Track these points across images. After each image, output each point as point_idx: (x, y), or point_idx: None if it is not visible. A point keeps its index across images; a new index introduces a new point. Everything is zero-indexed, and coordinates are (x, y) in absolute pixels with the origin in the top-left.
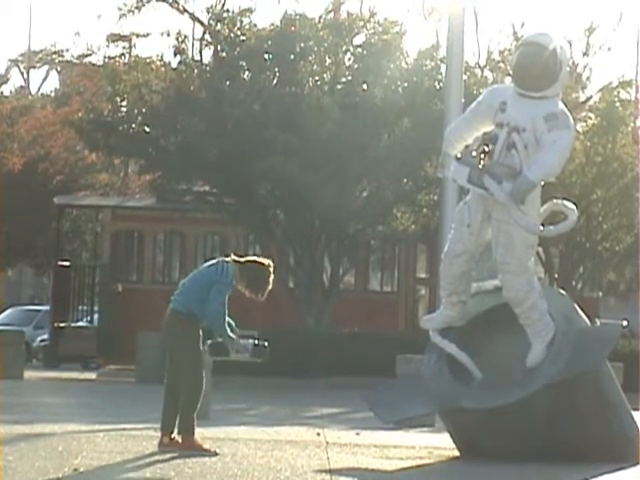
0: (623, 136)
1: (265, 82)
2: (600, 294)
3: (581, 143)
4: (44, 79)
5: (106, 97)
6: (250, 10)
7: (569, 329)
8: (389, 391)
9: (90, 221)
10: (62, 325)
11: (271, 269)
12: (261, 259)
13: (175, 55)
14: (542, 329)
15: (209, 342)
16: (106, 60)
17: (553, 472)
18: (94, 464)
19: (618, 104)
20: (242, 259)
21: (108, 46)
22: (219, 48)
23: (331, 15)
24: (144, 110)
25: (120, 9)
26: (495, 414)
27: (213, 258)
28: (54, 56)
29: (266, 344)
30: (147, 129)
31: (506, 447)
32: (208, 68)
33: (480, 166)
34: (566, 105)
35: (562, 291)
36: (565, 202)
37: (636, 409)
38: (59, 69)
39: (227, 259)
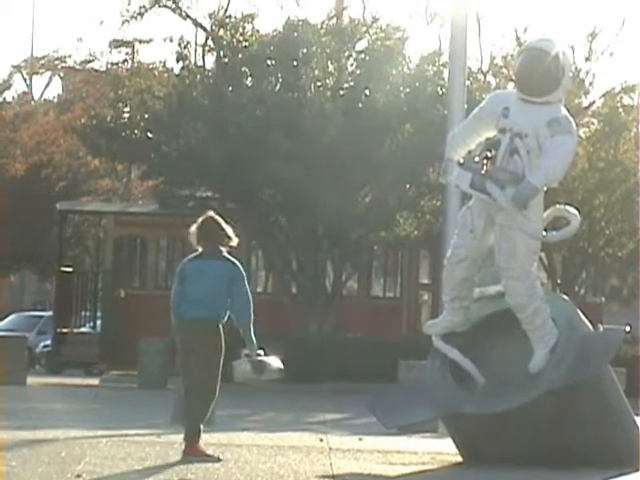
0: (626, 141)
1: (268, 88)
2: (603, 299)
3: (584, 148)
4: (47, 85)
5: (109, 103)
6: (252, 16)
7: (572, 334)
8: (392, 396)
9: (93, 227)
10: (65, 331)
11: (211, 218)
12: (203, 221)
13: (178, 61)
14: (545, 334)
15: (235, 364)
16: (109, 66)
17: (555, 477)
18: (97, 470)
19: (621, 109)
20: (216, 240)
21: (111, 52)
22: (222, 54)
23: (333, 21)
24: (147, 116)
25: (123, 15)
26: (498, 419)
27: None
28: (57, 62)
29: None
30: (150, 135)
31: (509, 452)
32: (211, 74)
33: (483, 171)
34: (569, 110)
35: (565, 296)
36: (568, 207)
37: (638, 414)
38: (62, 75)
39: (224, 254)
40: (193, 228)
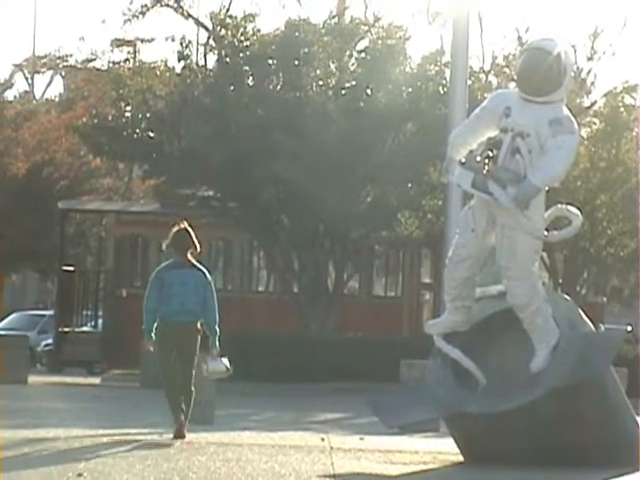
0: (627, 141)
1: (269, 87)
2: (604, 299)
3: (585, 148)
4: (48, 84)
5: (110, 102)
6: (254, 15)
7: (573, 334)
8: (393, 396)
9: (94, 226)
10: (66, 330)
11: (186, 230)
12: (178, 232)
13: (179, 60)
14: (546, 334)
15: (209, 359)
16: (110, 65)
17: (556, 477)
18: (98, 469)
19: (622, 109)
20: (190, 250)
21: (112, 51)
22: (223, 53)
23: (335, 20)
24: (148, 115)
25: (125, 14)
26: (499, 419)
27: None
28: (58, 61)
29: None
30: (151, 134)
31: (510, 452)
32: (212, 73)
33: (484, 171)
34: (570, 110)
35: (566, 296)
36: (569, 207)
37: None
38: (63, 74)
39: (195, 262)
40: (168, 238)
